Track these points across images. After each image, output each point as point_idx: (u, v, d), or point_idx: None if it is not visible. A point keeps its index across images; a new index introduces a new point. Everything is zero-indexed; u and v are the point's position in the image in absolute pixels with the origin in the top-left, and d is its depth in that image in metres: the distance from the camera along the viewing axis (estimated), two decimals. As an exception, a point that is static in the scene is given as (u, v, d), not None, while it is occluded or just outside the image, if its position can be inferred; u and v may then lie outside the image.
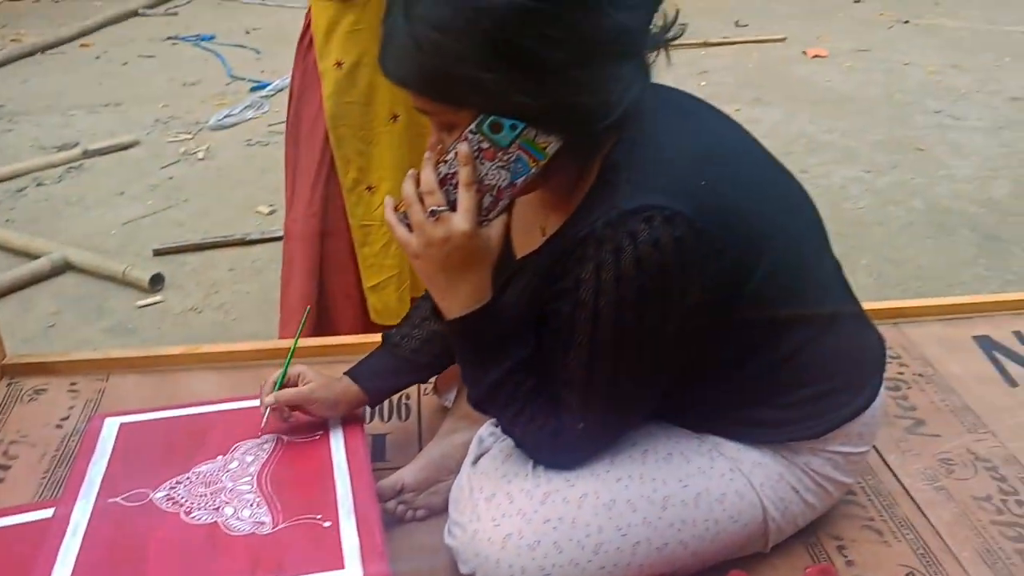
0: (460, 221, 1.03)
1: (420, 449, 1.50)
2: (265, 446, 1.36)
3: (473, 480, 1.19)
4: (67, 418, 1.59)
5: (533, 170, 1.03)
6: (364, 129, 1.93)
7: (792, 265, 1.13)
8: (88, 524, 1.20)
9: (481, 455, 1.24)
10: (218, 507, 1.23)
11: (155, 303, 2.96)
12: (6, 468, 1.48)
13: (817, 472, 1.24)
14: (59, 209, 3.65)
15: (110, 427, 1.42)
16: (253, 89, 4.92)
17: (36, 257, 3.15)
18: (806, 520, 1.28)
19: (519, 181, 1.04)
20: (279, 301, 2.07)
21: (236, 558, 1.13)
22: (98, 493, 1.26)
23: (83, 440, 1.40)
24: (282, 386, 1.33)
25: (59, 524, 1.20)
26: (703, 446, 1.20)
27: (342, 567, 1.11)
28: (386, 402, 1.61)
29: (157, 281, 3.03)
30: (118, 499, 1.25)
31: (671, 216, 0.98)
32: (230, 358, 1.72)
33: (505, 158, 1.02)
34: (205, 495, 1.25)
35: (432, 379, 1.51)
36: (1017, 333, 1.82)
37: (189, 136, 4.34)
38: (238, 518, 1.20)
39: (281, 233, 2.13)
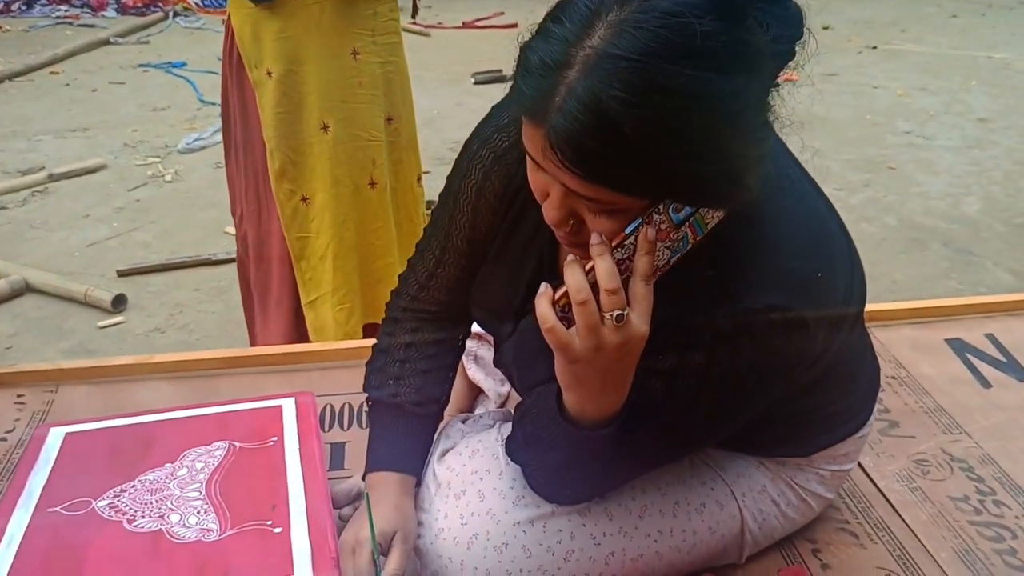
0: (640, 324, 0.86)
1: (379, 458, 1.45)
2: (216, 453, 1.30)
3: (440, 475, 1.14)
4: (12, 430, 1.52)
5: (690, 247, 0.89)
6: (296, 139, 1.89)
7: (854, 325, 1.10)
8: (24, 535, 1.14)
9: (448, 450, 1.18)
10: (163, 514, 1.16)
11: (117, 324, 2.90)
12: (-54, 481, 1.41)
13: (801, 487, 1.21)
14: (22, 232, 3.58)
15: (55, 437, 1.36)
16: (223, 113, 4.87)
17: (-5, 279, 3.08)
18: (783, 534, 1.25)
19: (674, 260, 0.89)
20: (247, 312, 2.02)
21: (180, 566, 1.07)
22: (37, 503, 1.20)
23: (26, 451, 1.33)
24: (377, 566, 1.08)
25: (-7, 535, 1.14)
26: (686, 452, 1.16)
27: (292, 574, 1.05)
28: (346, 409, 1.56)
29: (120, 302, 2.97)
30: (58, 508, 1.19)
31: (792, 320, 0.91)
32: (183, 367, 1.65)
33: (674, 237, 0.87)
34: (151, 503, 1.19)
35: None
36: (989, 335, 1.79)
37: (158, 159, 4.29)
38: (184, 525, 1.14)
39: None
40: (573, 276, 0.85)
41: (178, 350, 2.70)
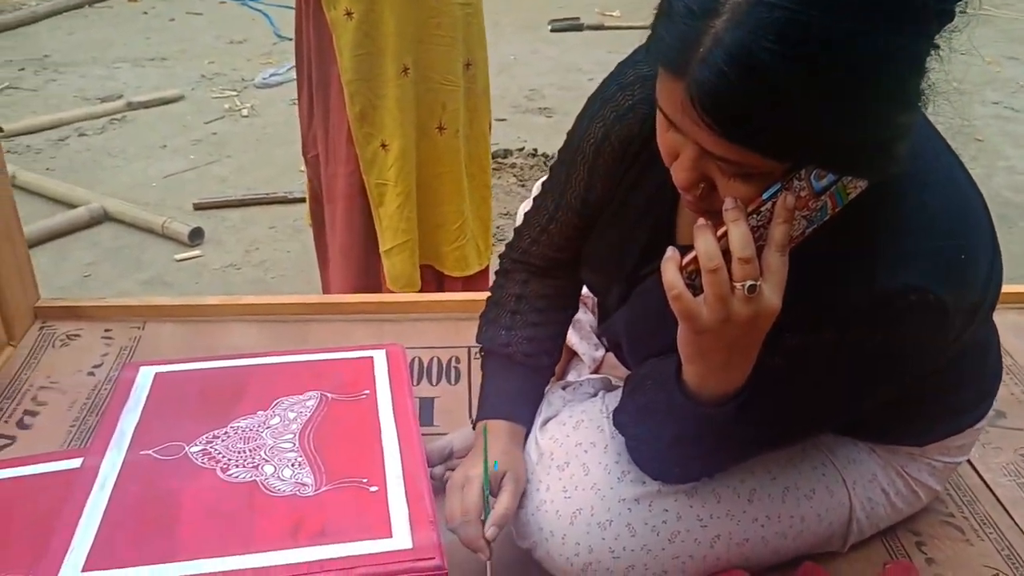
0: (772, 297, 0.80)
1: (470, 415, 1.42)
2: (308, 403, 1.27)
3: (543, 445, 1.10)
4: (99, 366, 1.52)
5: (827, 217, 0.82)
6: (376, 81, 1.83)
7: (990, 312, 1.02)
8: (118, 476, 1.12)
9: (550, 418, 1.14)
10: (257, 465, 1.14)
11: (194, 257, 2.90)
12: (34, 415, 1.41)
13: (912, 476, 1.16)
14: (100, 160, 3.59)
15: (144, 376, 1.34)
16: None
17: (75, 207, 3.10)
18: (888, 524, 1.20)
19: (809, 231, 0.83)
20: (318, 258, 1.99)
21: (277, 519, 1.05)
22: (129, 444, 1.19)
23: (116, 389, 1.32)
24: (488, 506, 1.05)
25: (87, 475, 1.12)
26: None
27: (389, 535, 1.02)
28: (435, 364, 1.53)
29: (197, 235, 2.96)
30: (151, 452, 1.17)
31: (931, 303, 0.84)
32: (272, 311, 1.64)
33: (813, 206, 0.81)
34: (244, 452, 1.17)
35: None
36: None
37: (234, 93, 4.27)
38: (279, 478, 1.12)
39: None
40: (704, 242, 0.79)
41: (254, 288, 2.71)
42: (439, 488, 1.16)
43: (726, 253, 0.80)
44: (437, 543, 1.02)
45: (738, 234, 0.78)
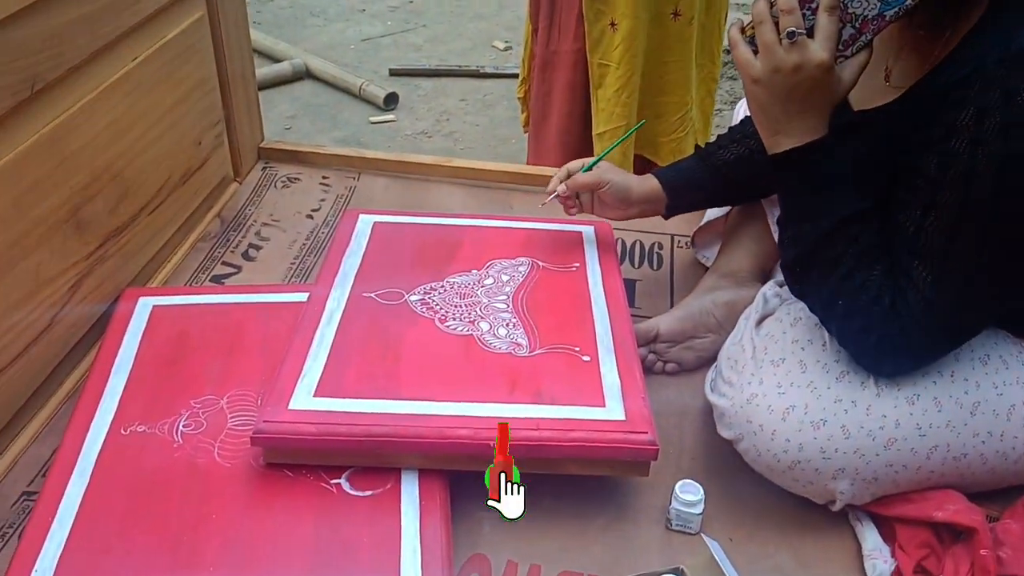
0: (818, 49, 0.89)
1: (671, 301, 1.41)
2: (520, 268, 1.29)
3: (757, 340, 1.08)
4: (318, 209, 1.58)
5: (909, 2, 0.86)
6: None
7: None
8: (343, 313, 1.17)
9: (765, 317, 1.12)
10: (473, 320, 1.17)
11: (387, 122, 2.95)
12: (258, 248, 1.49)
13: None
14: (303, 19, 3.67)
15: (364, 223, 1.39)
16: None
17: (278, 60, 3.19)
18: None
19: (889, 14, 0.88)
20: (529, 133, 1.98)
21: (493, 374, 1.08)
22: (352, 285, 1.23)
23: (337, 232, 1.37)
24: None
25: (315, 308, 1.18)
26: (1025, 354, 1.04)
27: (602, 404, 1.04)
28: (637, 247, 1.52)
29: (391, 100, 3.01)
30: (372, 294, 1.22)
31: None
32: (481, 176, 1.65)
33: None
34: (460, 306, 1.20)
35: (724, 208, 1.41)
36: None
37: (432, -38, 4.26)
38: (494, 335, 1.15)
39: (516, 70, 2.00)
40: (756, 5, 0.92)
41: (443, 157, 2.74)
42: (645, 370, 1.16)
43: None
44: (649, 418, 1.02)
45: None
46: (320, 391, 1.03)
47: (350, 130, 2.90)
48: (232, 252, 1.47)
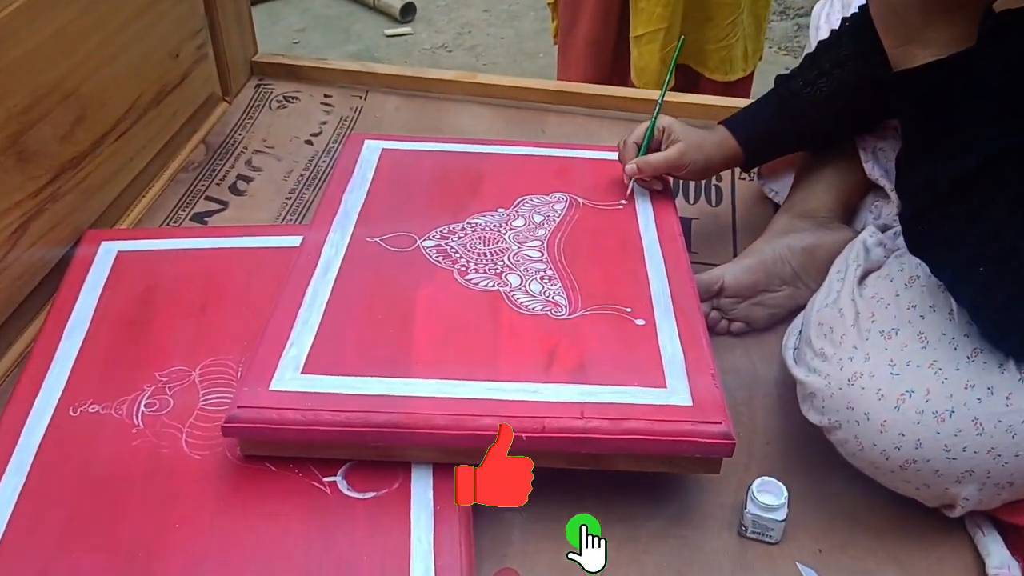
0: None
1: (734, 245, 1.19)
2: (556, 206, 1.07)
3: (861, 304, 0.86)
4: (318, 134, 1.36)
5: None
6: None
7: None
8: (342, 262, 0.96)
9: (868, 272, 0.90)
10: (501, 272, 0.96)
11: (404, 35, 2.71)
12: (248, 180, 1.27)
13: None
14: (313, -79, 3.40)
15: (370, 151, 1.17)
16: None
17: (287, -33, 2.94)
18: None
19: None
20: (558, 43, 1.74)
21: (526, 343, 0.86)
22: (354, 227, 1.02)
23: (338, 162, 1.15)
24: (648, 147, 1.07)
25: (308, 256, 0.97)
26: None
27: (663, 384, 0.83)
28: (692, 182, 1.29)
29: (408, 11, 2.78)
30: (378, 239, 1.00)
31: None
32: (508, 94, 1.41)
33: None
34: (485, 255, 0.98)
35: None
36: None
37: None
38: (526, 291, 0.93)
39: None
40: None
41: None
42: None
43: None
44: (722, 404, 0.81)
45: None
46: (310, 367, 0.83)
47: (364, 44, 2.66)
48: (218, 185, 1.26)
